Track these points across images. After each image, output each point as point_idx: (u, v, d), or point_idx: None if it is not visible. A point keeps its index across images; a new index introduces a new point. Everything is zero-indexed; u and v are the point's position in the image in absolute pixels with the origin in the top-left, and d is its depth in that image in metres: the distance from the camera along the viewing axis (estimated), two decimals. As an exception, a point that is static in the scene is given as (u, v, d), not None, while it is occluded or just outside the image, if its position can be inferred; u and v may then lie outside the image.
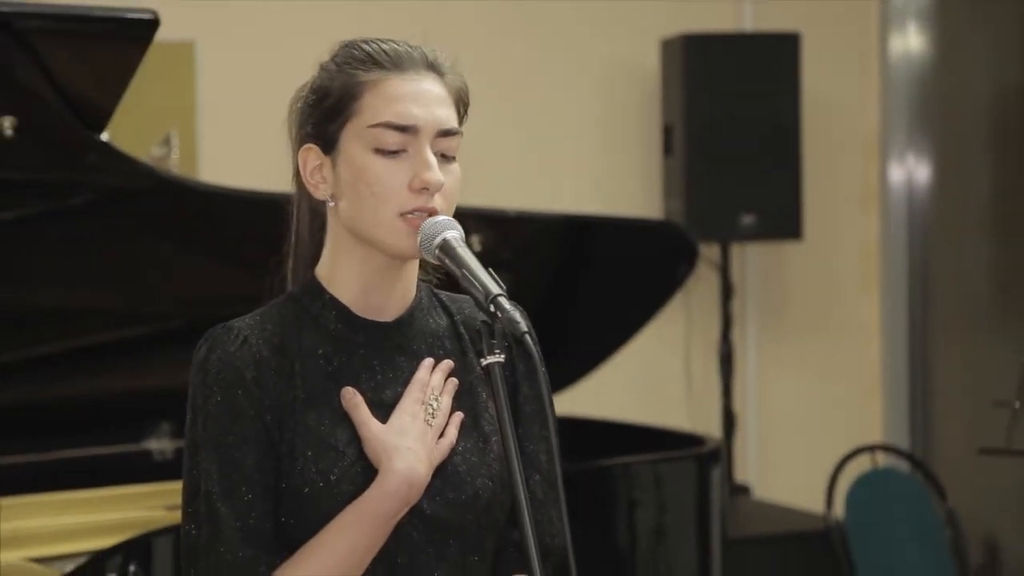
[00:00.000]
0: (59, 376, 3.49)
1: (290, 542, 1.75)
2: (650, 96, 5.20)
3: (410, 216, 1.75)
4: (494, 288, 1.70)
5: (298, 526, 1.75)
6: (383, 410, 1.77)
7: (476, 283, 1.71)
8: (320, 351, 1.79)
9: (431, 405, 1.78)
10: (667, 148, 5.07)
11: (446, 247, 1.74)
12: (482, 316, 1.70)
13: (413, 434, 1.75)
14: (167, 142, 4.45)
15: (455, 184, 1.79)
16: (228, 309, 3.46)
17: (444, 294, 1.90)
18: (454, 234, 1.76)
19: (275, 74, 4.74)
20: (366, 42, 1.80)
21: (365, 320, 1.81)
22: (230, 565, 1.73)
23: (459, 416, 1.80)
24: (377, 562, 1.75)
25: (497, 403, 1.70)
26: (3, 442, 3.22)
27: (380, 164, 1.75)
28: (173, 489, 3.44)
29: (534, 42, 5.09)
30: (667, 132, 5.07)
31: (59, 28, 2.72)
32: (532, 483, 1.83)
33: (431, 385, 1.80)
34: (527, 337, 1.67)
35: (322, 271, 1.83)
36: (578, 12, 5.14)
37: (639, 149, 5.24)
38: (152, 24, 2.75)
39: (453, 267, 1.74)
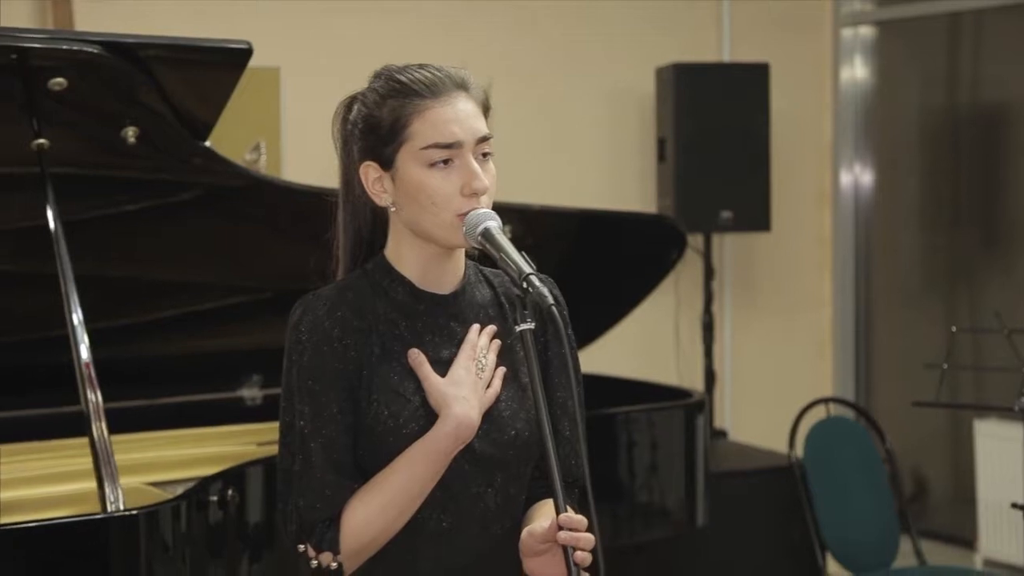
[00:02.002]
0: (171, 336, 3.49)
1: (365, 471, 1.76)
2: (646, 114, 5.18)
3: (464, 215, 1.75)
4: (526, 267, 1.70)
5: (372, 458, 1.75)
6: (441, 366, 1.77)
7: (511, 263, 1.71)
8: (391, 317, 1.78)
9: (480, 362, 1.78)
10: (660, 156, 5.05)
11: (487, 234, 1.74)
12: (516, 291, 1.71)
13: (467, 385, 1.75)
14: (257, 149, 4.43)
15: (493, 179, 1.78)
16: (307, 282, 3.49)
17: (487, 270, 1.88)
18: (493, 224, 1.75)
19: (343, 94, 4.77)
20: (401, 72, 1.78)
21: (426, 292, 1.81)
22: (318, 489, 1.74)
23: (502, 370, 1.79)
24: (436, 490, 1.75)
25: (529, 363, 1.70)
26: (126, 388, 3.21)
27: (435, 177, 1.74)
28: (262, 429, 3.49)
29: (553, 69, 5.09)
30: (660, 143, 5.05)
31: (173, 56, 2.71)
32: (561, 425, 1.82)
33: (479, 345, 1.79)
34: (553, 308, 1.66)
35: (389, 254, 1.82)
36: (589, 45, 5.14)
37: (637, 157, 5.23)
38: (247, 53, 2.73)
39: (492, 250, 1.73)
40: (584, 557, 1.64)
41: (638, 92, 5.19)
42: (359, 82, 1.82)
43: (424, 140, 1.74)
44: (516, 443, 1.79)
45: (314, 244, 3.42)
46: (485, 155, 1.77)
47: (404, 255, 1.81)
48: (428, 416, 1.74)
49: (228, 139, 2.97)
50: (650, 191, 5.16)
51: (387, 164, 1.77)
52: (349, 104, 1.82)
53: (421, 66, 1.79)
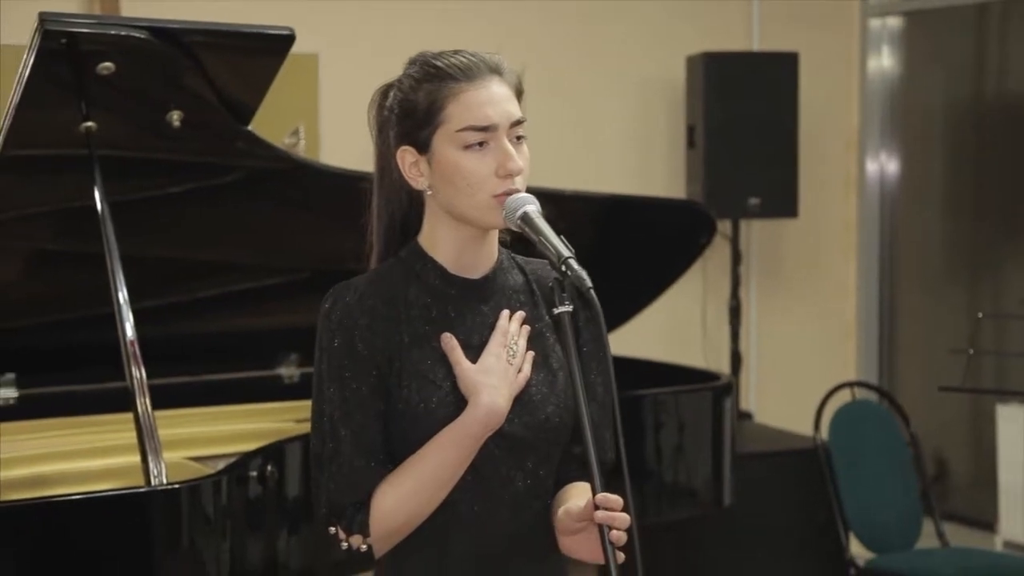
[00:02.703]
0: (211, 315, 3.50)
1: (395, 455, 1.75)
2: (677, 101, 5.15)
3: (501, 196, 1.74)
4: (565, 251, 1.69)
5: (403, 442, 1.74)
6: (472, 351, 1.76)
7: (550, 247, 1.70)
8: (422, 302, 1.77)
9: (511, 348, 1.76)
10: (690, 143, 5.03)
11: (526, 218, 1.73)
12: (554, 274, 1.69)
13: (497, 373, 1.73)
14: (296, 133, 4.43)
15: (526, 162, 1.77)
16: (344, 264, 3.50)
17: (519, 257, 1.87)
18: (532, 208, 1.74)
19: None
20: (435, 57, 1.77)
21: (458, 277, 1.79)
22: (348, 473, 1.73)
23: (531, 354, 1.78)
24: (467, 473, 1.74)
25: (565, 345, 1.69)
26: (168, 366, 3.22)
27: (471, 159, 1.73)
28: (299, 407, 3.50)
29: (587, 59, 5.07)
30: (690, 130, 5.02)
31: (217, 41, 2.71)
32: (591, 409, 1.79)
33: (510, 332, 1.77)
34: (591, 292, 1.65)
35: (423, 239, 1.80)
36: (620, 33, 5.12)
37: (668, 144, 5.21)
38: (290, 39, 2.73)
39: (531, 234, 1.72)
40: (620, 536, 1.63)
41: (668, 80, 5.17)
42: (395, 69, 1.81)
43: (459, 123, 1.73)
44: (547, 426, 1.77)
45: (351, 226, 3.45)
46: (519, 139, 1.76)
47: (439, 239, 1.79)
48: (458, 402, 1.73)
49: (267, 124, 2.97)
50: (679, 178, 5.14)
51: (423, 148, 1.76)
52: (385, 91, 1.82)
53: (456, 52, 1.78)
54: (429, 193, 1.78)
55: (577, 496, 1.79)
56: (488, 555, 1.77)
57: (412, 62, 1.80)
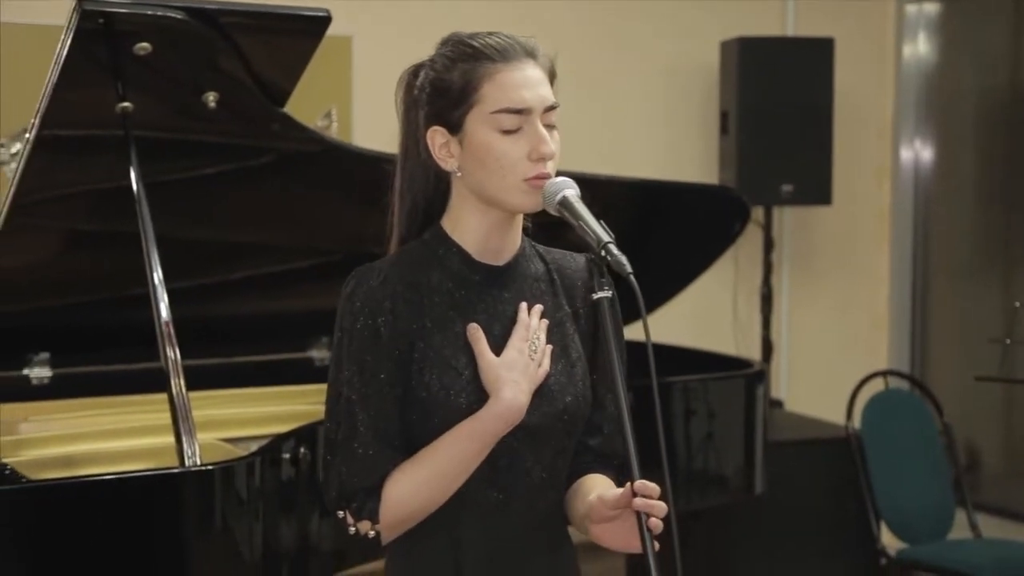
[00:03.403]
0: (244, 297, 3.50)
1: (413, 441, 1.72)
2: (710, 87, 5.12)
3: (532, 180, 1.71)
4: (605, 236, 1.67)
5: (421, 430, 1.72)
6: (492, 338, 1.73)
7: (590, 231, 1.68)
8: (445, 287, 1.74)
9: (533, 343, 1.73)
10: (723, 129, 5.00)
11: (565, 202, 1.71)
12: (574, 264, 1.71)
13: (519, 368, 1.71)
14: (329, 115, 4.42)
15: (558, 148, 1.75)
16: (376, 246, 3.49)
17: (540, 247, 1.84)
18: (572, 192, 1.72)
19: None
20: (471, 37, 1.75)
21: (481, 264, 1.77)
22: (362, 457, 1.71)
23: (550, 347, 1.75)
24: (484, 463, 1.72)
25: (604, 331, 1.66)
26: (201, 347, 3.22)
27: (504, 142, 1.71)
28: (331, 389, 3.49)
29: (620, 44, 5.05)
30: (724, 116, 4.99)
31: (254, 23, 2.70)
32: (607, 401, 1.80)
33: (532, 327, 1.75)
34: (631, 277, 1.62)
35: (447, 223, 1.78)
36: (655, 19, 5.10)
37: (701, 129, 5.18)
38: (326, 21, 2.72)
39: (571, 218, 1.70)
40: (657, 524, 1.62)
41: (702, 65, 5.13)
42: (428, 52, 1.79)
43: (494, 104, 1.70)
44: (564, 417, 1.76)
45: (383, 209, 3.45)
46: (550, 126, 1.73)
47: (464, 223, 1.76)
48: (479, 391, 1.71)
49: (300, 106, 2.96)
50: (712, 164, 5.11)
51: (455, 128, 1.73)
52: (415, 71, 1.79)
53: (491, 33, 1.76)
54: (458, 175, 1.75)
55: (599, 487, 1.77)
56: (501, 545, 1.75)
57: (445, 42, 1.77)
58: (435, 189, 1.79)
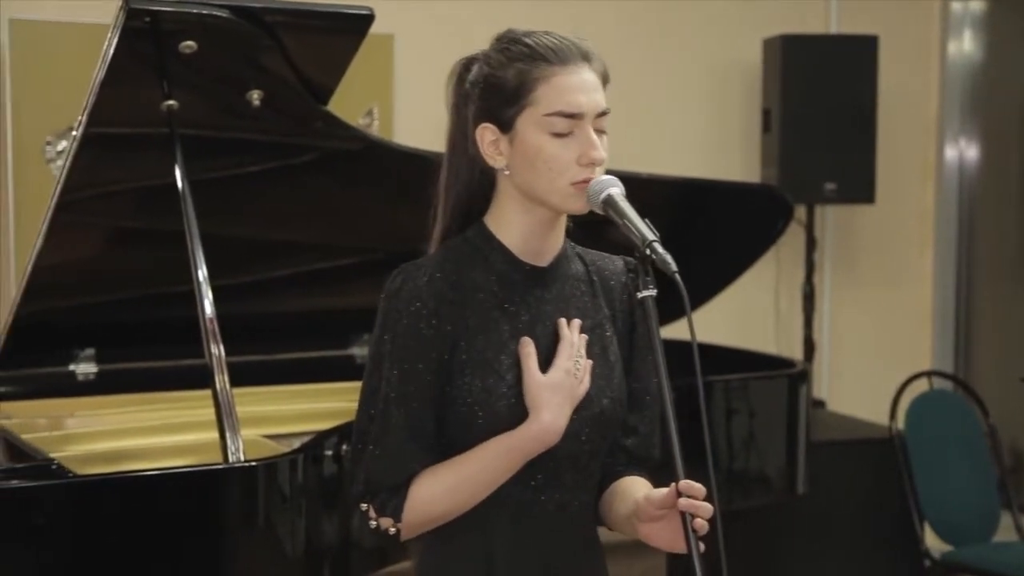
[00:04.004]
0: (286, 294, 3.52)
1: (452, 441, 1.72)
2: (753, 84, 5.10)
3: (579, 184, 1.71)
4: (650, 234, 1.66)
5: (460, 430, 1.72)
6: (534, 339, 1.73)
7: (635, 230, 1.66)
8: (489, 287, 1.74)
9: (577, 362, 1.73)
10: (766, 127, 4.97)
11: (609, 200, 1.70)
12: (611, 267, 1.71)
13: (563, 391, 1.70)
14: (370, 114, 4.45)
15: (606, 153, 1.74)
16: (417, 245, 3.51)
17: (579, 248, 1.84)
18: (616, 190, 1.71)
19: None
20: (527, 36, 1.73)
21: (523, 263, 1.76)
22: (392, 455, 1.71)
23: (590, 363, 1.74)
24: (531, 464, 1.72)
25: (650, 330, 1.65)
26: (244, 345, 3.24)
27: (555, 145, 1.70)
28: (372, 387, 3.50)
29: (663, 41, 5.03)
30: (766, 114, 4.97)
31: (297, 21, 2.71)
32: (644, 402, 1.80)
33: (576, 346, 1.73)
34: (676, 275, 1.62)
35: (490, 221, 1.77)
36: (698, 17, 5.08)
37: (743, 127, 5.16)
38: (369, 19, 2.73)
39: (615, 217, 1.69)
40: (702, 524, 1.61)
41: (744, 63, 5.11)
42: (470, 50, 1.79)
43: (548, 107, 1.70)
44: (601, 419, 1.75)
45: (426, 208, 3.46)
46: (601, 132, 1.73)
47: (508, 221, 1.76)
48: (519, 396, 1.70)
49: (342, 104, 2.97)
50: (754, 162, 5.09)
51: (506, 127, 1.72)
52: (468, 64, 1.78)
53: (547, 32, 1.75)
54: (506, 173, 1.74)
55: (641, 488, 1.76)
56: (532, 545, 1.75)
57: (501, 38, 1.76)
58: (479, 185, 1.78)
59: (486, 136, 1.74)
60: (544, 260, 1.77)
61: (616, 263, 1.85)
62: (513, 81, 1.71)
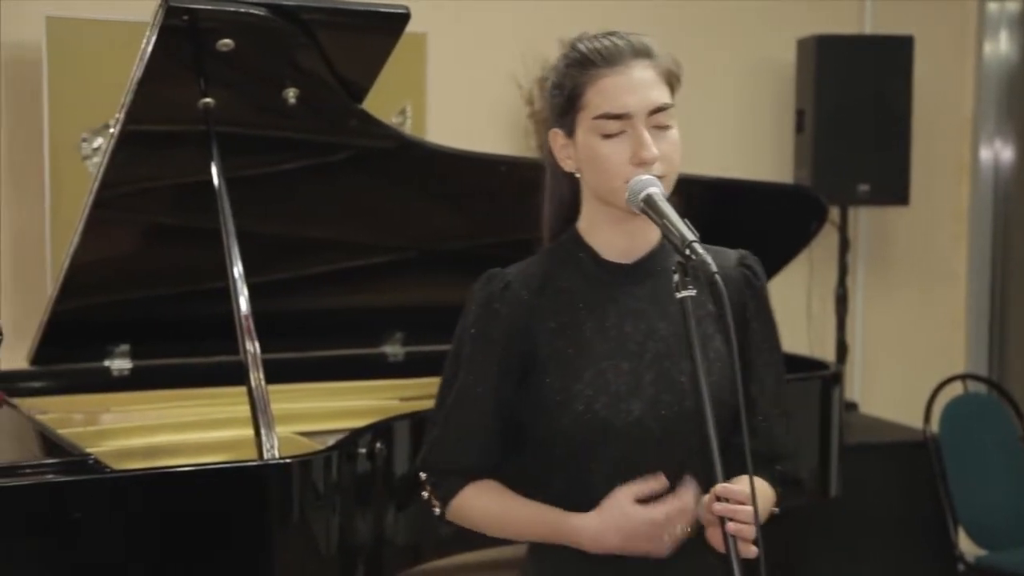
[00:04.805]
0: (318, 292, 3.53)
1: (528, 440, 1.77)
2: (786, 85, 5.07)
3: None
4: (689, 234, 1.66)
5: (536, 426, 1.76)
6: (620, 335, 1.75)
7: (674, 230, 1.67)
8: (574, 289, 1.78)
9: (680, 528, 1.73)
10: (799, 127, 4.95)
11: (649, 200, 1.71)
12: (678, 257, 1.66)
13: (643, 535, 1.71)
14: (403, 112, 4.45)
15: (672, 148, 1.76)
16: (449, 243, 3.52)
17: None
18: (655, 190, 1.72)
19: (486, 62, 4.77)
20: (581, 41, 1.78)
21: (611, 263, 1.80)
22: (450, 444, 1.80)
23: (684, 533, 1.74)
24: (614, 462, 1.73)
25: (688, 332, 1.64)
26: (274, 341, 3.26)
27: (606, 146, 1.74)
28: (403, 385, 3.52)
29: (697, 41, 5.01)
30: (799, 115, 4.94)
31: (334, 19, 2.72)
32: (760, 401, 1.80)
33: (688, 514, 1.73)
34: (717, 277, 1.61)
35: (581, 224, 1.82)
36: (731, 17, 5.05)
37: (776, 128, 5.13)
38: (404, 18, 2.74)
39: (655, 217, 1.70)
40: (738, 528, 1.60)
41: (777, 63, 5.09)
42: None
43: (596, 110, 1.73)
44: (693, 418, 1.72)
45: (458, 206, 3.46)
46: (663, 127, 1.74)
47: (592, 223, 1.80)
48: (594, 396, 1.72)
49: (375, 102, 2.98)
50: (786, 163, 5.07)
51: (569, 131, 1.78)
52: (548, 73, 1.85)
53: (607, 34, 1.77)
54: (578, 176, 1.80)
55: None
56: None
57: (565, 44, 1.81)
58: (570, 191, 1.84)
59: (557, 141, 1.80)
60: (632, 258, 1.80)
61: (730, 257, 1.85)
62: (568, 87, 1.76)
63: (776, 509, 1.86)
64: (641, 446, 1.73)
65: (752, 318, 1.81)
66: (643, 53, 1.75)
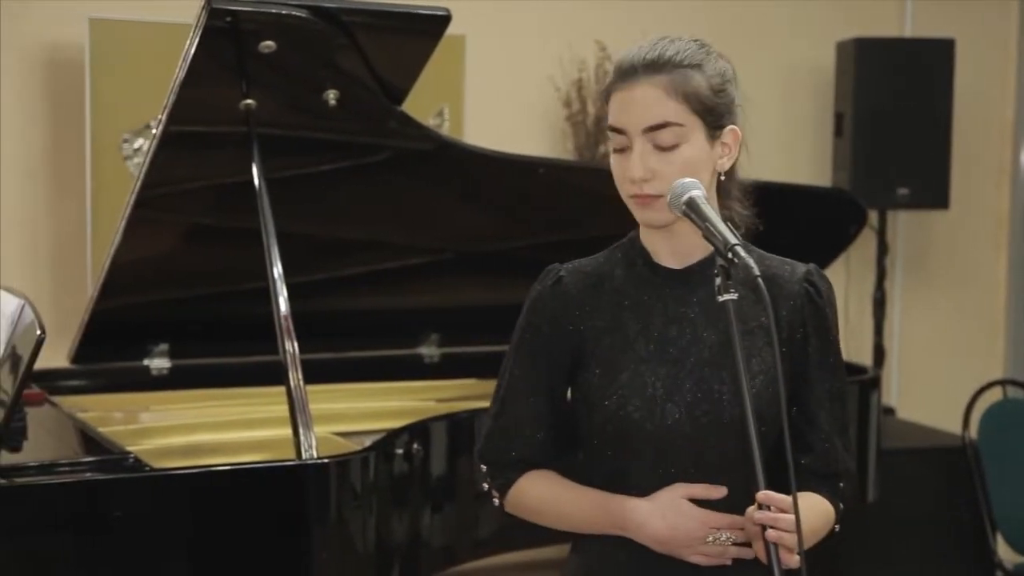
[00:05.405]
0: (357, 292, 3.55)
1: (578, 434, 1.79)
2: (825, 88, 5.05)
3: (631, 199, 1.75)
4: (732, 238, 1.64)
5: (581, 421, 1.78)
6: (666, 340, 1.74)
7: (717, 234, 1.65)
8: (625, 289, 1.79)
9: (726, 537, 1.72)
10: (838, 131, 4.92)
11: (691, 203, 1.69)
12: (720, 261, 1.64)
13: (685, 527, 1.71)
14: (441, 114, 4.46)
15: (672, 169, 1.70)
16: (485, 245, 3.52)
17: (756, 251, 1.82)
18: (698, 193, 1.71)
19: (524, 64, 4.77)
20: (625, 50, 1.77)
21: (662, 267, 1.79)
22: (502, 436, 1.83)
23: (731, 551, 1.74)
24: (653, 469, 1.73)
25: (732, 336, 1.63)
26: (314, 342, 3.27)
27: (615, 159, 1.76)
28: (439, 386, 3.53)
29: (736, 44, 4.93)
30: (838, 118, 4.92)
31: (375, 22, 2.74)
32: (819, 418, 1.78)
33: (738, 526, 1.71)
34: (759, 280, 1.60)
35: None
36: (770, 19, 5.03)
37: (814, 131, 5.11)
38: (445, 20, 2.75)
39: (697, 220, 1.68)
40: (778, 536, 1.59)
41: (816, 66, 5.06)
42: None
43: (609, 122, 1.76)
44: (733, 428, 1.71)
45: (494, 208, 3.46)
46: (661, 147, 1.70)
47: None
48: (630, 396, 1.72)
49: (413, 104, 2.99)
50: (825, 166, 5.04)
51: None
52: None
53: (640, 45, 1.75)
54: None
55: (810, 507, 1.73)
56: (673, 560, 1.75)
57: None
58: None
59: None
60: (684, 263, 1.79)
61: (797, 270, 1.83)
62: (604, 97, 1.78)
63: (837, 527, 1.83)
64: (675, 452, 1.72)
65: (812, 334, 1.78)
66: (655, 68, 1.71)
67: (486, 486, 1.87)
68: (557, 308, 1.79)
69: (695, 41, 1.79)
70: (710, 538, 1.72)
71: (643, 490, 1.74)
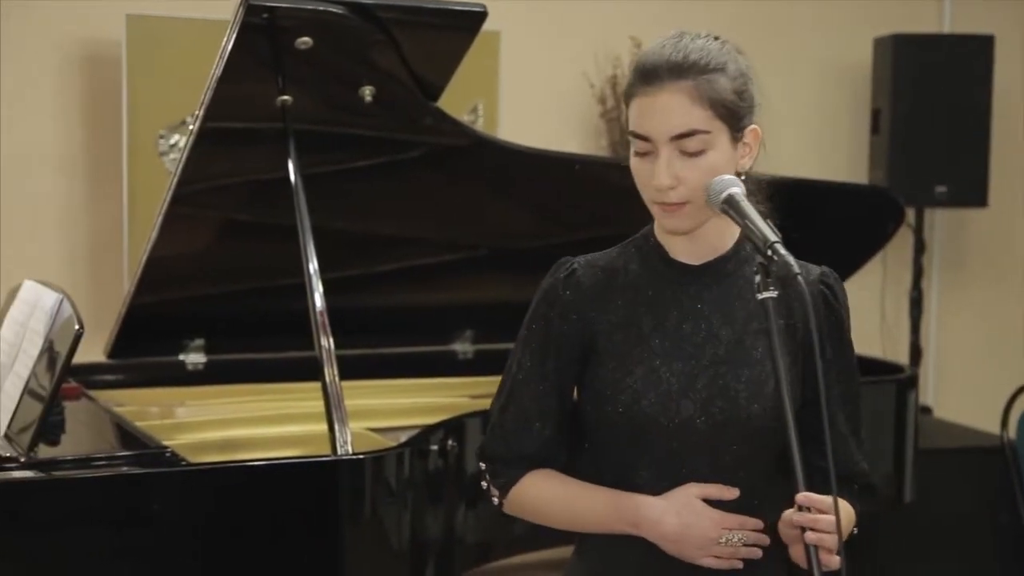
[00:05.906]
0: (390, 289, 3.55)
1: (585, 423, 1.77)
2: (862, 84, 5.02)
3: (655, 207, 1.72)
4: (771, 235, 1.63)
5: (589, 417, 1.76)
6: (679, 335, 1.73)
7: (756, 231, 1.64)
8: (638, 283, 1.76)
9: (730, 539, 1.71)
10: (875, 128, 4.90)
11: (730, 200, 1.68)
12: (759, 258, 1.62)
13: (697, 525, 1.69)
14: (475, 110, 4.46)
15: (698, 175, 1.68)
16: (520, 241, 3.52)
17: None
18: (737, 190, 1.69)
19: (558, 60, 4.76)
20: (644, 51, 1.75)
21: (678, 262, 1.77)
22: (506, 433, 1.80)
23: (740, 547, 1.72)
24: (663, 466, 1.72)
25: (771, 334, 1.61)
26: (348, 338, 3.28)
27: (636, 163, 1.72)
28: (473, 383, 3.53)
29: (773, 41, 4.97)
30: (875, 115, 4.89)
31: (411, 18, 2.73)
32: (837, 419, 1.77)
33: (748, 527, 1.71)
34: (798, 279, 1.58)
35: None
36: (808, 16, 5.01)
37: (851, 128, 5.08)
38: (482, 16, 2.75)
39: (736, 217, 1.67)
40: (818, 538, 1.57)
41: (853, 62, 5.03)
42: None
43: (630, 125, 1.72)
44: (748, 426, 1.71)
45: (529, 205, 3.46)
46: (688, 153, 1.67)
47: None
48: (643, 395, 1.70)
49: (448, 100, 2.99)
50: (861, 163, 5.01)
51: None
52: None
53: (662, 45, 1.71)
54: None
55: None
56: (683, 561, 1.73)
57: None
58: None
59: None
60: (701, 259, 1.77)
61: (811, 272, 1.80)
62: (625, 96, 1.76)
63: (856, 529, 1.82)
64: (688, 448, 1.71)
65: (828, 337, 1.77)
66: (680, 72, 1.67)
67: (485, 485, 1.83)
68: (569, 301, 1.76)
69: (716, 39, 1.75)
70: (723, 539, 1.71)
71: (651, 489, 1.72)
